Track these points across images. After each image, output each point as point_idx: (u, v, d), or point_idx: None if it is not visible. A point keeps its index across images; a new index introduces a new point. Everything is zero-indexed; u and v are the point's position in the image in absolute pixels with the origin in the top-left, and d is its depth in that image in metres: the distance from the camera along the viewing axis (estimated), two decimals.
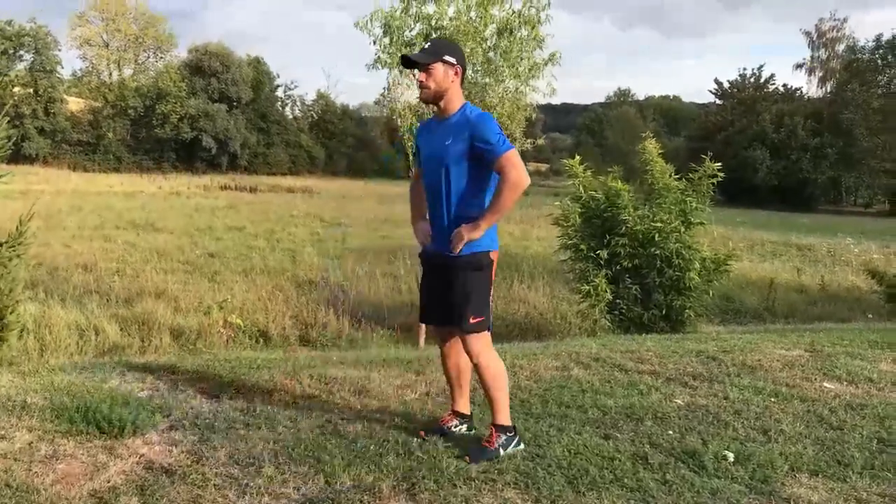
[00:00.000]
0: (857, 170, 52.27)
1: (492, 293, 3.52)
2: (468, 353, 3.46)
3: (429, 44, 3.45)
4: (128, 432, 3.49)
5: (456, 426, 3.71)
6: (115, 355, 7.91)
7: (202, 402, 4.13)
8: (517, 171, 3.24)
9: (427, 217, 3.59)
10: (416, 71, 3.42)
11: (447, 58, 3.35)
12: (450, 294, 3.44)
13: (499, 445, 3.43)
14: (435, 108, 3.48)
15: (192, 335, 9.57)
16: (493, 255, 3.48)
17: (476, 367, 3.47)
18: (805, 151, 50.71)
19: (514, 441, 3.51)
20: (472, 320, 3.38)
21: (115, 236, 18.22)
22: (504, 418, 3.50)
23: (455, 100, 3.42)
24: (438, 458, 3.37)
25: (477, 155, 3.31)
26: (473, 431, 3.74)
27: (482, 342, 3.44)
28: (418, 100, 9.93)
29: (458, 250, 3.35)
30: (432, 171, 3.46)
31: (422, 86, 3.38)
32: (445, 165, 3.37)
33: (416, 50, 9.65)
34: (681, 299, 8.97)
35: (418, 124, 3.68)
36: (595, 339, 6.91)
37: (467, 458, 3.35)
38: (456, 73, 3.39)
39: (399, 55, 9.43)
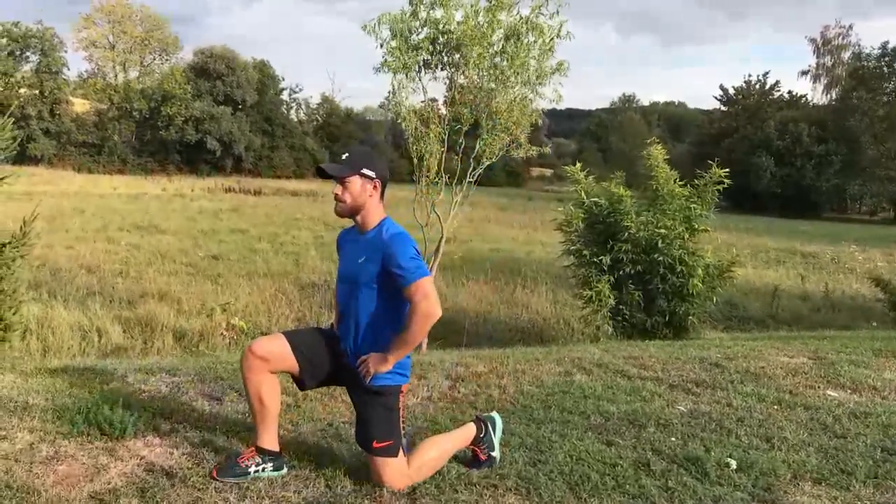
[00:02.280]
0: (862, 177, 52.18)
1: (403, 422, 3.25)
2: (384, 483, 3.10)
3: (346, 155, 3.23)
4: (129, 434, 3.48)
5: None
6: (118, 357, 7.92)
7: (204, 404, 4.12)
8: (427, 301, 3.02)
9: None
10: (334, 182, 3.20)
11: (365, 171, 3.16)
12: (355, 403, 3.28)
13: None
14: (353, 221, 3.29)
15: (195, 337, 9.59)
16: (403, 389, 3.26)
17: (399, 496, 3.11)
18: (810, 158, 50.66)
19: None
20: (375, 445, 3.12)
21: (118, 238, 18.25)
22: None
23: (373, 215, 3.23)
24: None
25: (389, 279, 3.10)
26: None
27: (394, 469, 3.12)
28: (423, 103, 10.01)
29: (367, 381, 3.14)
30: (343, 290, 3.29)
31: (337, 199, 3.19)
32: (357, 286, 3.18)
33: (423, 54, 9.73)
34: (684, 306, 8.95)
35: (341, 231, 3.47)
36: (598, 345, 6.90)
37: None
38: (375, 188, 3.20)
39: (403, 61, 9.45)
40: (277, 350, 3.18)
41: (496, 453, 3.41)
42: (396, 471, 3.12)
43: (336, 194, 3.19)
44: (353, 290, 3.21)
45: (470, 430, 3.44)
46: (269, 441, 3.24)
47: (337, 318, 3.44)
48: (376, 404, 3.18)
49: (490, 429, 3.46)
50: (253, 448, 3.23)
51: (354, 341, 3.23)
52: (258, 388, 3.16)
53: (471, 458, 3.42)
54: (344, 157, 3.23)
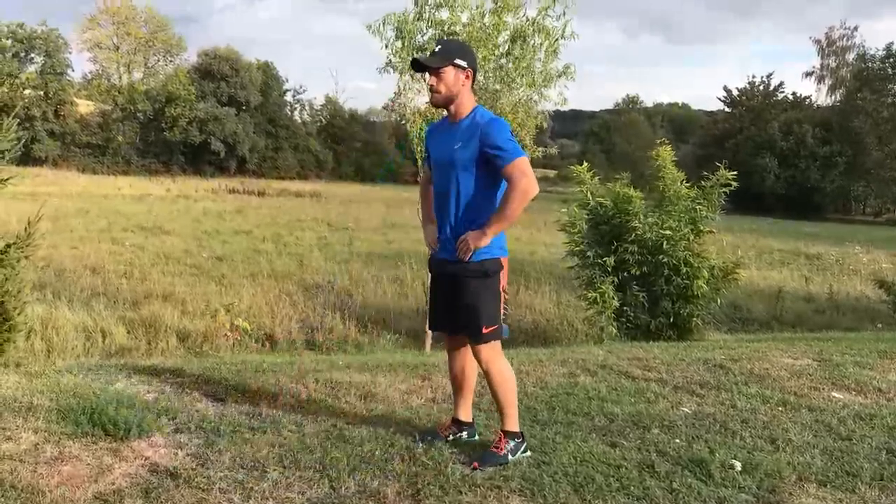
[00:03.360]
0: (866, 179, 52.10)
1: (504, 298, 3.47)
2: (478, 360, 3.41)
3: (439, 46, 3.34)
4: (133, 435, 3.49)
5: (453, 434, 3.66)
6: (122, 357, 7.94)
7: (208, 405, 4.13)
8: (527, 178, 3.16)
9: (435, 221, 3.53)
10: (426, 74, 3.35)
11: (458, 61, 3.28)
12: (460, 303, 3.38)
13: (507, 451, 3.38)
14: (445, 111, 3.43)
15: (199, 338, 9.59)
16: (503, 262, 3.41)
17: (486, 374, 3.42)
18: (814, 160, 50.56)
19: (522, 447, 3.46)
20: (485, 330, 3.32)
21: (122, 239, 18.27)
22: (513, 424, 3.46)
23: (466, 103, 3.35)
24: (444, 463, 3.36)
25: (486, 160, 3.24)
26: (477, 437, 3.72)
27: (493, 350, 3.39)
28: (427, 104, 10.01)
29: (467, 258, 3.29)
30: (441, 176, 3.40)
31: (432, 90, 3.31)
32: (454, 170, 3.31)
33: (429, 53, 9.71)
34: (688, 307, 8.95)
35: (427, 126, 3.63)
36: (602, 347, 6.90)
37: (475, 463, 3.30)
38: (467, 77, 3.32)
39: (410, 59, 9.46)
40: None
41: (511, 458, 3.43)
42: (497, 353, 3.41)
43: (431, 85, 3.32)
44: (450, 174, 3.34)
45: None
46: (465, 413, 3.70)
47: (427, 210, 3.63)
48: (481, 285, 3.34)
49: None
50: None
51: (453, 224, 3.37)
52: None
53: (487, 448, 3.50)
54: (437, 48, 3.34)
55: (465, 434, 3.68)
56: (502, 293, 3.44)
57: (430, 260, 3.59)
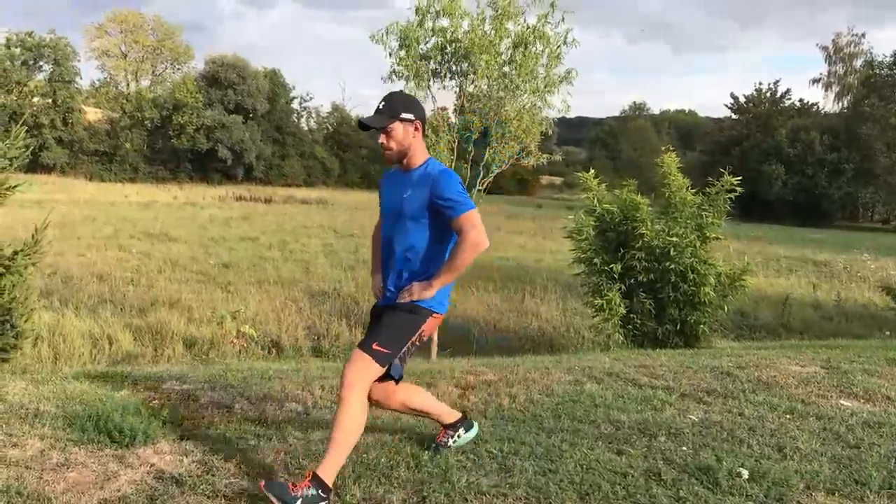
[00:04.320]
0: (874, 185, 51.91)
1: (411, 349, 3.30)
2: (343, 376, 3.11)
3: (383, 103, 3.28)
4: (139, 442, 3.49)
5: (452, 438, 3.64)
6: (128, 364, 7.95)
7: (214, 412, 4.13)
8: (476, 231, 3.12)
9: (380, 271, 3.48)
10: (376, 131, 3.28)
11: (404, 115, 3.24)
12: (375, 326, 3.34)
13: (300, 496, 2.89)
14: (399, 164, 3.38)
15: (205, 345, 9.61)
16: (433, 319, 3.31)
17: (338, 402, 3.09)
18: (822, 166, 50.43)
19: None
20: (374, 346, 3.17)
21: (129, 246, 18.33)
22: (328, 473, 2.99)
23: (418, 155, 3.32)
24: (449, 471, 3.35)
25: (435, 211, 3.20)
26: (475, 425, 3.74)
27: (361, 377, 3.11)
28: (433, 111, 10.03)
29: (405, 301, 3.24)
30: (389, 225, 3.36)
31: (384, 147, 3.28)
32: (403, 219, 3.27)
33: (432, 63, 9.75)
34: (695, 314, 8.92)
35: (383, 174, 3.57)
36: (608, 354, 6.88)
37: (261, 482, 2.96)
38: (416, 129, 3.29)
39: (414, 69, 9.48)
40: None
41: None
42: (363, 382, 3.13)
43: (382, 143, 3.29)
44: (396, 224, 3.31)
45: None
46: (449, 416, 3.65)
47: (375, 258, 3.59)
48: (400, 315, 3.25)
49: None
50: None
51: (398, 276, 3.32)
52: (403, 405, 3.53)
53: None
54: (381, 106, 3.30)
55: (461, 430, 3.65)
56: (416, 338, 3.29)
57: (373, 309, 3.50)
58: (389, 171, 3.53)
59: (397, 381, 3.34)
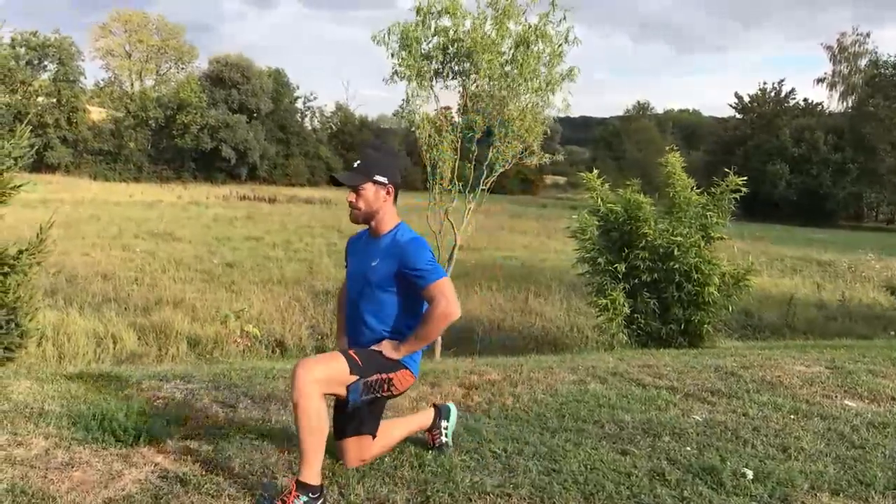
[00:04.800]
0: (878, 185, 51.82)
1: (378, 387, 3.17)
2: (296, 372, 2.93)
3: (359, 161, 3.23)
4: (143, 441, 3.50)
5: (442, 435, 3.63)
6: (133, 363, 7.96)
7: (218, 411, 4.13)
8: (447, 301, 3.07)
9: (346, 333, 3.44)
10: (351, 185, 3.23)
11: (378, 178, 3.19)
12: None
13: None
14: (367, 226, 3.33)
15: (209, 344, 9.62)
16: (406, 375, 3.25)
17: (294, 408, 2.95)
18: (826, 166, 50.37)
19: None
20: (350, 352, 3.13)
21: (133, 245, 18.36)
22: (310, 476, 2.93)
23: (387, 220, 3.26)
24: (453, 471, 3.35)
25: (404, 280, 3.15)
26: (451, 408, 3.75)
27: (316, 382, 2.94)
28: (436, 111, 10.02)
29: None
30: (355, 290, 3.31)
31: (352, 206, 3.22)
32: (369, 287, 3.22)
33: (434, 63, 9.74)
34: (699, 314, 8.91)
35: (350, 237, 3.51)
36: (612, 354, 6.87)
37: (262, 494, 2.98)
38: (388, 193, 3.23)
39: (416, 68, 9.47)
40: None
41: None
42: (324, 366, 3.02)
43: (350, 202, 3.22)
44: (363, 292, 3.25)
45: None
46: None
47: (340, 320, 3.55)
48: (374, 354, 3.18)
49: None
50: None
51: (363, 340, 3.27)
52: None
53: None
54: (356, 164, 3.24)
55: (443, 422, 3.65)
56: (386, 377, 3.17)
57: None
58: (357, 234, 3.46)
59: (365, 426, 3.27)
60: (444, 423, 3.65)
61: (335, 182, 3.25)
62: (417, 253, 3.14)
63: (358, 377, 3.08)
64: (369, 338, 3.25)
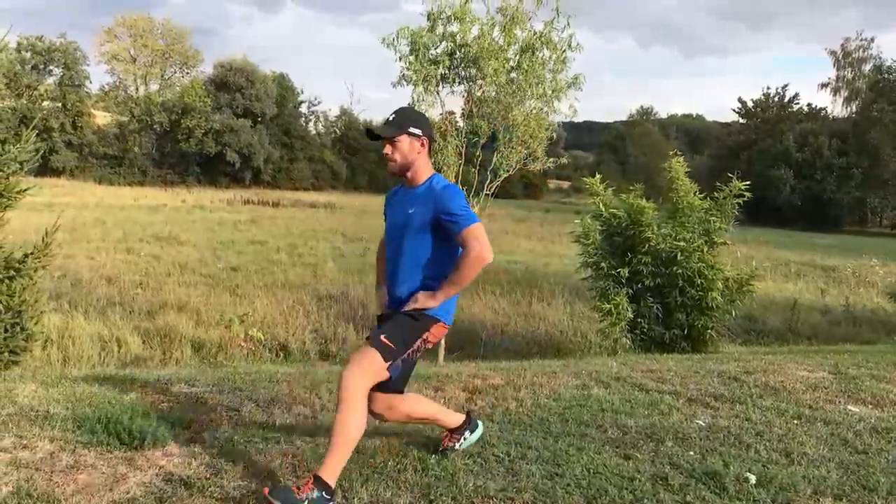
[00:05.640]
0: (883, 190, 51.73)
1: (414, 354, 3.32)
2: (343, 375, 3.07)
3: (394, 115, 3.34)
4: (148, 444, 3.51)
5: (458, 442, 3.65)
6: (137, 367, 7.98)
7: (222, 414, 4.14)
8: (480, 245, 3.16)
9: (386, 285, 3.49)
10: (384, 142, 3.33)
11: (412, 130, 3.29)
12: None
13: (305, 498, 2.91)
14: (403, 178, 3.42)
15: (213, 348, 9.64)
16: (439, 327, 3.36)
17: (337, 403, 3.08)
18: (830, 171, 50.32)
19: None
20: (383, 339, 3.19)
21: (138, 249, 18.39)
22: (329, 474, 3.00)
23: (422, 171, 3.36)
24: (456, 475, 3.35)
25: (440, 227, 3.24)
26: (480, 424, 3.77)
27: (363, 376, 3.09)
28: (441, 115, 10.06)
29: (410, 309, 3.28)
30: (393, 240, 3.40)
31: (388, 159, 3.32)
32: (407, 234, 3.31)
33: (441, 68, 9.78)
34: (703, 319, 8.90)
35: (388, 192, 3.58)
36: (615, 358, 6.87)
37: (266, 489, 2.96)
38: (422, 145, 3.33)
39: (423, 73, 9.51)
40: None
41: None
42: (365, 371, 3.10)
43: (386, 154, 3.33)
44: (402, 239, 3.34)
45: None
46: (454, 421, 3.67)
47: (381, 273, 3.61)
48: (405, 319, 3.28)
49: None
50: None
51: (404, 286, 3.34)
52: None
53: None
54: (391, 118, 3.34)
55: (467, 433, 3.67)
56: (420, 343, 3.31)
57: (378, 318, 3.53)
58: (394, 188, 3.57)
59: (392, 384, 3.33)
60: (467, 433, 3.67)
61: (371, 136, 3.36)
62: (452, 199, 3.23)
63: (392, 360, 3.20)
64: (408, 287, 3.32)
